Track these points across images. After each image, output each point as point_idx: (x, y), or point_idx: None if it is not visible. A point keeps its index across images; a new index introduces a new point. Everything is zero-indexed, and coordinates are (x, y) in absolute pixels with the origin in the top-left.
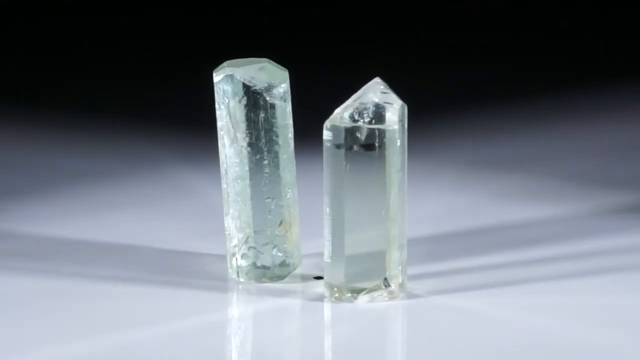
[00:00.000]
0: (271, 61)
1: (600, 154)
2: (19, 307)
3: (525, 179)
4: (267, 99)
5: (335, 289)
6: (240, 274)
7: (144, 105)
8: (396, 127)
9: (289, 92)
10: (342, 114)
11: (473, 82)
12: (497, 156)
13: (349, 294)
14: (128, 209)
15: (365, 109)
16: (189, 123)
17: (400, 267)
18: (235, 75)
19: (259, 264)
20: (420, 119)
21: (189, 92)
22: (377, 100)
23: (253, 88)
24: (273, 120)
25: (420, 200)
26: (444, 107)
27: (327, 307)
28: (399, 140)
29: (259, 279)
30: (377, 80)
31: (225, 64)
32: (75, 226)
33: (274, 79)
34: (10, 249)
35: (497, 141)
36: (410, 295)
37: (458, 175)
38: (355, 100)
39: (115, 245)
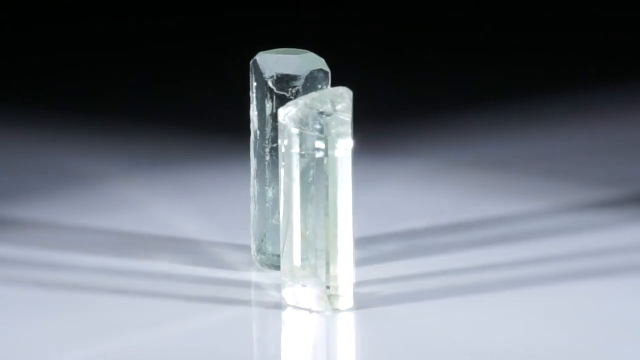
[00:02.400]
0: (315, 56)
1: (599, 154)
2: (45, 301)
3: (521, 179)
4: (273, 88)
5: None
6: (255, 257)
7: (159, 104)
8: (338, 137)
9: (318, 88)
10: (288, 115)
11: (472, 82)
12: (494, 156)
13: (285, 293)
14: (145, 206)
15: (312, 115)
16: (217, 120)
17: (335, 281)
18: (257, 60)
19: (264, 250)
20: (418, 118)
21: (201, 92)
22: (325, 108)
23: (263, 75)
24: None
25: (414, 200)
26: (441, 107)
27: (272, 313)
28: (342, 150)
29: (262, 264)
30: (341, 87)
31: (274, 50)
32: (88, 222)
33: (292, 71)
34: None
35: (495, 141)
36: (361, 305)
37: (454, 175)
38: (305, 105)
39: (133, 239)
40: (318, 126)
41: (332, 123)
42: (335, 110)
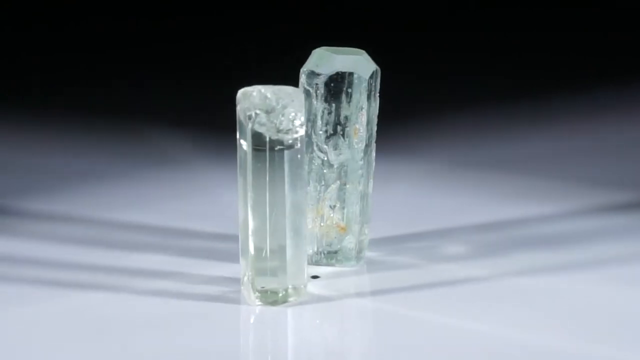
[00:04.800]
0: (361, 59)
1: (600, 154)
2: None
3: (521, 179)
4: (304, 82)
5: (243, 287)
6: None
7: (159, 104)
8: (281, 136)
9: (342, 88)
10: (240, 107)
11: (472, 82)
12: (494, 156)
13: (253, 293)
14: (144, 205)
15: (249, 110)
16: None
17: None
18: (311, 52)
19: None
20: (418, 118)
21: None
22: (264, 106)
23: (302, 67)
24: (309, 105)
25: (413, 200)
26: (441, 107)
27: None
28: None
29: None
30: (291, 87)
31: (332, 48)
32: (81, 224)
33: (318, 68)
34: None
35: (496, 142)
36: (320, 298)
37: (454, 176)
38: (250, 98)
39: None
40: (254, 121)
41: (265, 120)
42: (271, 109)
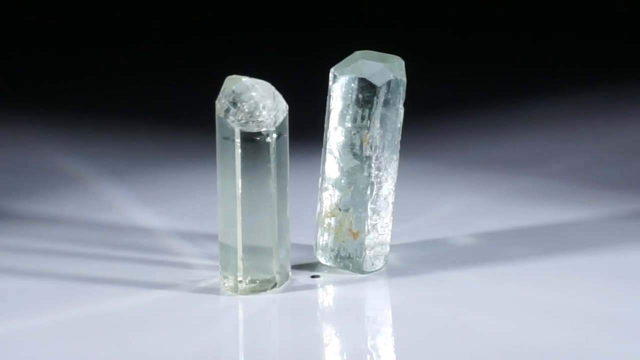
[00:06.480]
0: (384, 67)
1: (601, 155)
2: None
3: (520, 179)
4: (331, 84)
5: (223, 278)
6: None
7: (158, 104)
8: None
9: (359, 97)
10: (221, 105)
11: (472, 82)
12: (495, 156)
13: (229, 282)
14: (143, 205)
15: (227, 103)
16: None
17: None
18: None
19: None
20: (418, 118)
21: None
22: (238, 99)
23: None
24: (328, 107)
25: (414, 200)
26: (441, 107)
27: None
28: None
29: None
30: (267, 84)
31: (371, 52)
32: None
33: (340, 72)
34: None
35: (499, 142)
36: (290, 288)
37: (454, 175)
38: (227, 93)
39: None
40: (230, 114)
41: (238, 113)
42: (242, 102)
